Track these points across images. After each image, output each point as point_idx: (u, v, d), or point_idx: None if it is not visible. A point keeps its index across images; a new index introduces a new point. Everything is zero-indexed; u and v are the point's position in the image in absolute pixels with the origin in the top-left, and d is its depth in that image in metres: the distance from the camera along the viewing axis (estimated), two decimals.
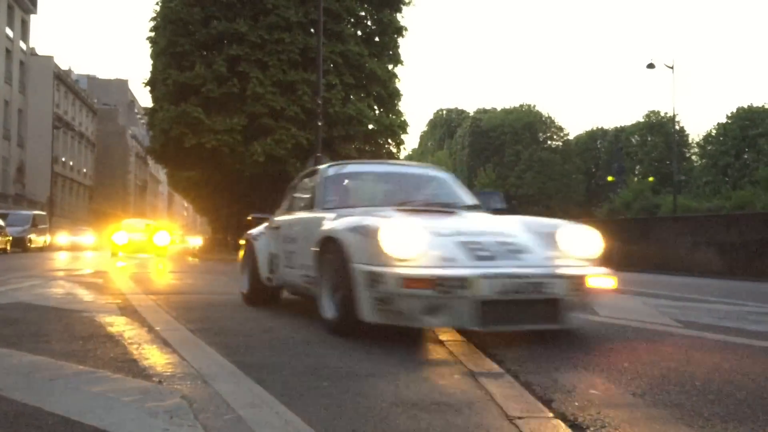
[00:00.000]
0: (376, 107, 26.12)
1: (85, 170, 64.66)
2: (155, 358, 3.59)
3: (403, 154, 30.99)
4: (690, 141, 75.99)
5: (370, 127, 25.24)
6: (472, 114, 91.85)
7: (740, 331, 5.03)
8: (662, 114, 77.23)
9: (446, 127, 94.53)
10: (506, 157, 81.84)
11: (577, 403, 2.78)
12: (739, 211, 27.24)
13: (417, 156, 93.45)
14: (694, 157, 75.27)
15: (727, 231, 14.14)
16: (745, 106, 69.09)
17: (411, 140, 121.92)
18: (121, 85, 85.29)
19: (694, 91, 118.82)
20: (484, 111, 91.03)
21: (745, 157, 64.99)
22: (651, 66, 34.95)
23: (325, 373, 3.27)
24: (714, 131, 70.47)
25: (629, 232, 17.70)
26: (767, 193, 46.04)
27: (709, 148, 68.84)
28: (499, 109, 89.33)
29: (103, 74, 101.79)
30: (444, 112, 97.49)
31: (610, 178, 67.83)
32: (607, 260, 16.35)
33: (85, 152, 65.56)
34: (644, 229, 17.19)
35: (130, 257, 20.40)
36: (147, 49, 27.75)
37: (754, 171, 58.24)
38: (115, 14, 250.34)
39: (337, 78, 24.06)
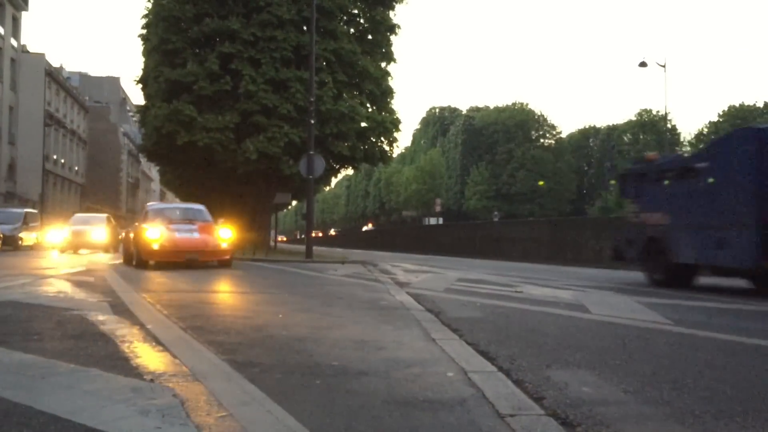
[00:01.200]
0: (368, 105, 26.09)
1: (76, 168, 64.36)
2: (147, 356, 3.57)
3: (395, 152, 31.02)
4: (682, 139, 76.29)
5: (363, 124, 25.21)
6: (464, 112, 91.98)
7: (731, 328, 5.05)
8: (654, 112, 77.54)
9: (439, 125, 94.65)
10: (499, 155, 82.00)
11: (568, 401, 2.79)
12: None
13: (410, 154, 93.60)
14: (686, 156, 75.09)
15: None
16: (737, 105, 69.47)
17: (404, 138, 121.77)
18: (113, 83, 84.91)
19: (687, 90, 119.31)
20: (477, 109, 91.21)
21: None
22: (643, 64, 35.04)
23: (318, 371, 3.26)
24: (706, 129, 70.80)
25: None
26: None
27: (701, 146, 69.08)
28: (491, 107, 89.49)
29: (94, 71, 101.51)
30: (437, 110, 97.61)
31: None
32: (598, 258, 16.32)
33: (77, 150, 65.25)
34: None
35: (171, 267, 12.14)
36: (139, 46, 27.67)
37: None
38: (106, 11, 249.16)
39: (330, 76, 24.00)
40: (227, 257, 13.16)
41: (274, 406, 2.56)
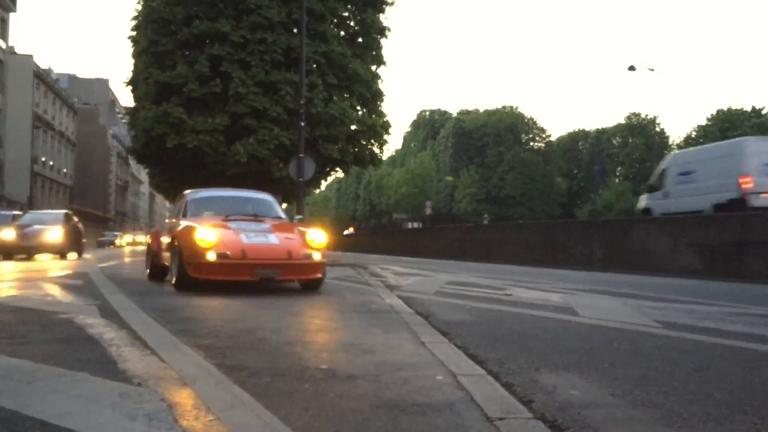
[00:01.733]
0: (359, 108, 26.12)
1: (65, 170, 64.06)
2: (135, 360, 3.55)
3: (386, 155, 31.05)
4: (670, 143, 76.76)
5: (353, 127, 25.23)
6: (455, 115, 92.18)
7: (719, 331, 5.07)
8: (643, 116, 77.95)
9: (429, 127, 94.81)
10: (489, 158, 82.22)
11: (557, 404, 2.79)
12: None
13: (400, 156, 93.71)
14: None
15: (706, 232, 14.27)
16: (725, 109, 69.97)
17: (394, 141, 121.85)
18: (102, 85, 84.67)
19: (676, 94, 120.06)
20: (467, 112, 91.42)
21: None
22: (632, 68, 35.27)
23: (307, 375, 3.26)
24: (694, 133, 71.26)
25: (610, 233, 17.82)
26: None
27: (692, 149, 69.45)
28: (482, 110, 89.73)
29: (83, 73, 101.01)
30: (427, 113, 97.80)
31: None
32: (587, 260, 16.47)
33: (65, 152, 64.96)
34: (625, 230, 17.30)
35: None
36: (128, 48, 27.58)
37: None
38: (96, 13, 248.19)
39: (320, 78, 23.99)
40: (319, 275, 8.44)
41: (263, 410, 2.56)
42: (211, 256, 7.79)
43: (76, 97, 72.17)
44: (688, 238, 14.69)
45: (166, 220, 10.73)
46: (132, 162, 71.25)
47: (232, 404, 2.63)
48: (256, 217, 9.15)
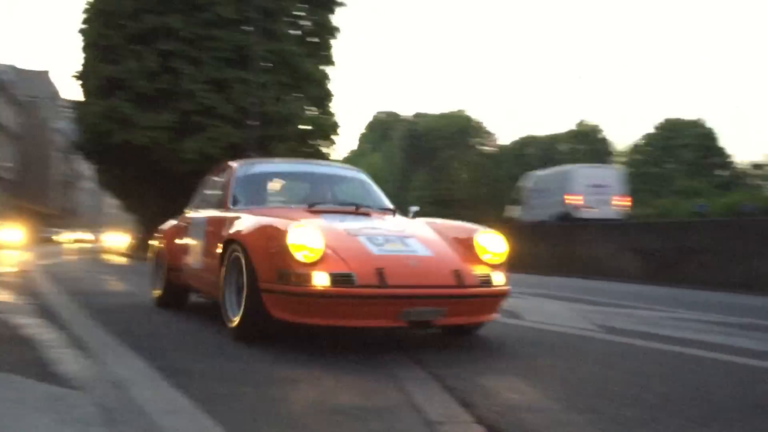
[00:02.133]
0: (311, 108, 26.08)
1: (7, 164, 62.13)
2: (71, 362, 3.46)
3: (338, 155, 31.08)
4: (615, 150, 78.44)
5: (304, 127, 25.18)
6: (411, 117, 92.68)
7: (657, 336, 5.20)
8: (589, 123, 79.69)
9: (383, 130, 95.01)
10: (440, 161, 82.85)
11: (497, 408, 2.82)
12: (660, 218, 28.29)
13: (355, 158, 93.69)
14: (617, 166, 77.64)
15: (648, 238, 14.64)
16: (672, 118, 71.93)
17: (350, 142, 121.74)
18: (47, 77, 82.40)
19: (626, 102, 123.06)
20: (423, 115, 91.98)
21: (669, 167, 67.52)
22: (580, 77, 35.97)
23: (250, 379, 3.22)
24: (642, 141, 73.12)
25: (555, 237, 18.13)
26: (687, 202, 47.97)
27: (637, 157, 71.17)
28: (436, 113, 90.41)
29: (28, 65, 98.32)
30: (383, 115, 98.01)
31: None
32: (534, 264, 16.63)
33: (7, 145, 63.01)
34: (571, 234, 17.62)
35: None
36: (79, 41, 26.89)
37: (677, 180, 60.68)
38: (41, 3, 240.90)
39: (272, 77, 23.87)
40: (493, 316, 4.52)
41: (202, 414, 2.52)
42: (320, 280, 3.80)
43: (20, 89, 70.04)
44: (632, 243, 15.03)
45: (188, 213, 6.22)
46: (78, 157, 69.60)
47: (170, 409, 2.58)
48: (360, 210, 5.06)
